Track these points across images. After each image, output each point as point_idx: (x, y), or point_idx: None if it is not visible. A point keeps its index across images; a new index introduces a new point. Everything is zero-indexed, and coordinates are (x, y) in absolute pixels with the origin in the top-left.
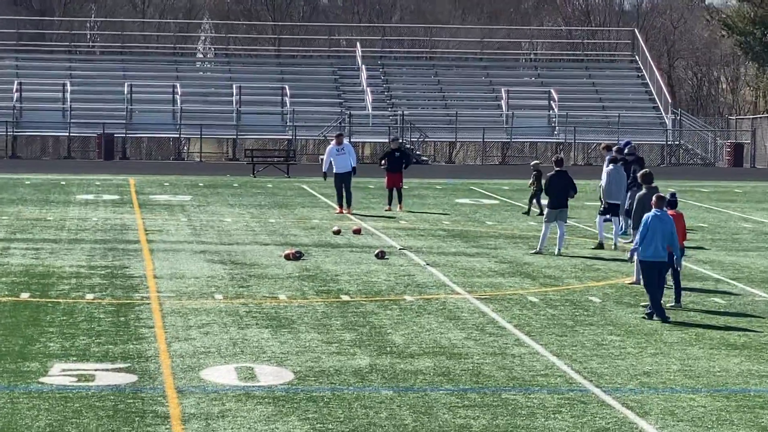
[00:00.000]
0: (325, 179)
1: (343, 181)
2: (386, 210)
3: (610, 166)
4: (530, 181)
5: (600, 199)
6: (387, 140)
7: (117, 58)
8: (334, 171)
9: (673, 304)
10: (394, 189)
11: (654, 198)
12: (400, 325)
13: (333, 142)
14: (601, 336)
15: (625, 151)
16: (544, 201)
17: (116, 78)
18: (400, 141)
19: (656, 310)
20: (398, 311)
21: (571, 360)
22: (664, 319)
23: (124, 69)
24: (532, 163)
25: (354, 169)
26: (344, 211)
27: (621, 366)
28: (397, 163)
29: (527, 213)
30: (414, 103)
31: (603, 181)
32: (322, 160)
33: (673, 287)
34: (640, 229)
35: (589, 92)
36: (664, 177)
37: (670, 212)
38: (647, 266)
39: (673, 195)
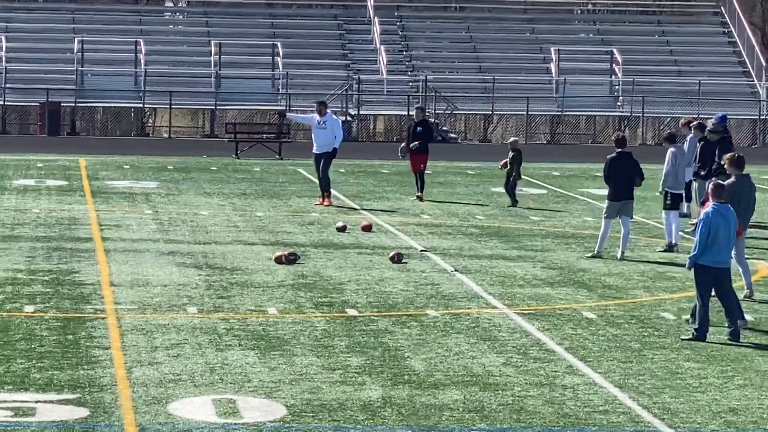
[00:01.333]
0: (280, 120)
1: (319, 163)
2: (415, 198)
3: (672, 148)
4: (505, 160)
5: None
6: (406, 112)
7: (65, 6)
8: (313, 150)
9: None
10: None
11: (710, 187)
12: (420, 347)
13: (314, 113)
14: (676, 362)
15: (709, 128)
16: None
17: (63, 32)
18: (426, 112)
19: (699, 328)
20: (419, 329)
21: (637, 392)
22: (702, 338)
23: (73, 21)
24: (510, 140)
25: (335, 149)
26: (325, 202)
27: (701, 401)
28: (419, 139)
29: (514, 204)
30: (440, 66)
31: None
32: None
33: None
34: (699, 228)
35: (662, 53)
36: (757, 161)
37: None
38: (702, 272)
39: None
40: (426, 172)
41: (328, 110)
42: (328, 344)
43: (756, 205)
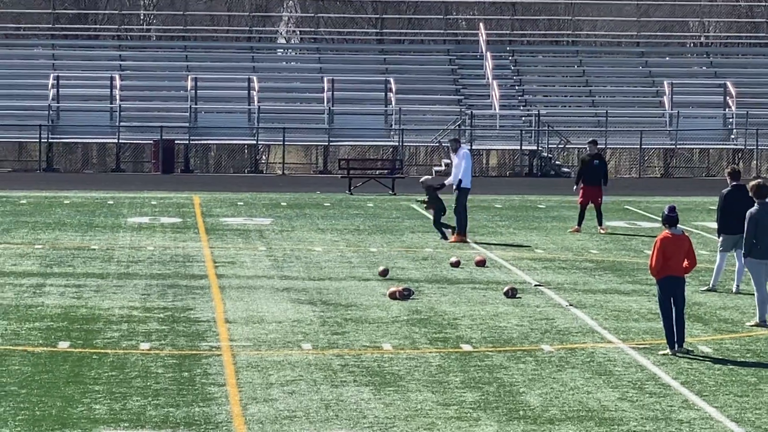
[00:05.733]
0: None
1: (455, 200)
2: (573, 230)
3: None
4: (422, 199)
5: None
6: (519, 147)
7: (178, 45)
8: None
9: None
10: (589, 206)
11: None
12: (535, 382)
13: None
14: None
15: None
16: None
17: (177, 70)
18: (599, 146)
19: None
20: (533, 365)
21: (753, 427)
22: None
23: (186, 58)
24: (421, 179)
25: (460, 181)
26: (458, 239)
27: None
28: (596, 173)
29: (445, 237)
30: (552, 101)
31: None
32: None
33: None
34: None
35: None
36: None
37: (666, 233)
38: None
39: (672, 210)
40: (539, 206)
41: (461, 144)
42: (443, 380)
43: None
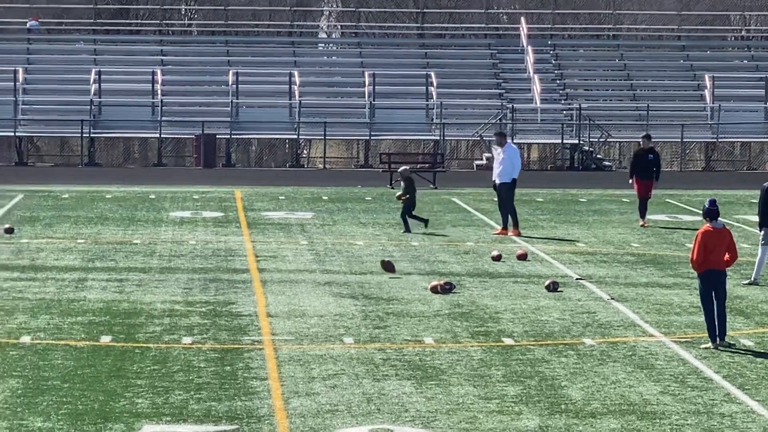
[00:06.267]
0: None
1: (499, 194)
2: (642, 225)
3: None
4: (399, 193)
5: None
6: (560, 140)
7: (219, 39)
8: (493, 179)
9: None
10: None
11: None
12: (577, 375)
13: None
14: None
15: None
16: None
17: (218, 65)
18: (652, 139)
19: None
20: (575, 358)
21: None
22: None
23: (227, 53)
24: (400, 169)
25: (514, 180)
26: (508, 233)
27: None
28: (649, 167)
29: (407, 231)
30: (593, 94)
31: None
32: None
33: None
34: None
35: None
36: None
37: (707, 227)
38: None
39: (713, 203)
40: (580, 200)
41: (507, 140)
42: (484, 374)
43: None
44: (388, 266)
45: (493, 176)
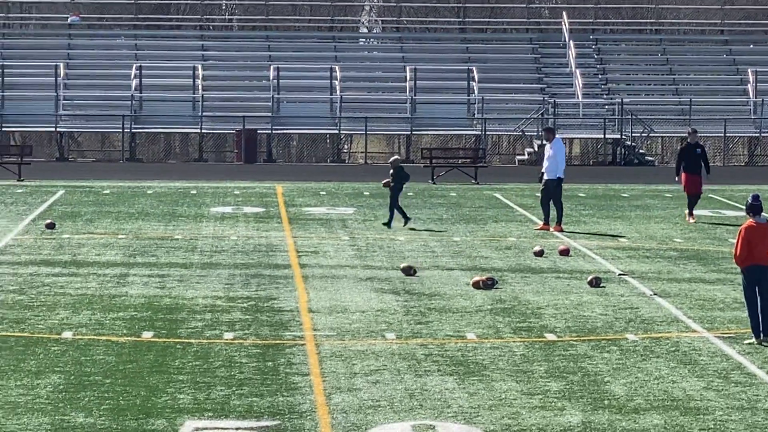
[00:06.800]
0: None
1: (546, 189)
2: (691, 221)
3: None
4: (387, 180)
5: None
6: (602, 135)
7: (260, 35)
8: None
9: None
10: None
11: None
12: (620, 371)
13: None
14: None
15: None
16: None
17: (259, 60)
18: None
19: None
20: (618, 354)
21: None
22: None
23: (268, 48)
24: (392, 159)
25: (560, 178)
26: (550, 228)
27: None
28: (697, 161)
29: (388, 224)
30: (636, 89)
31: None
32: (528, 155)
33: None
34: None
35: None
36: None
37: (750, 222)
38: None
39: (756, 198)
40: (622, 195)
41: (555, 135)
42: (527, 369)
43: None
44: (407, 271)
45: (542, 169)
